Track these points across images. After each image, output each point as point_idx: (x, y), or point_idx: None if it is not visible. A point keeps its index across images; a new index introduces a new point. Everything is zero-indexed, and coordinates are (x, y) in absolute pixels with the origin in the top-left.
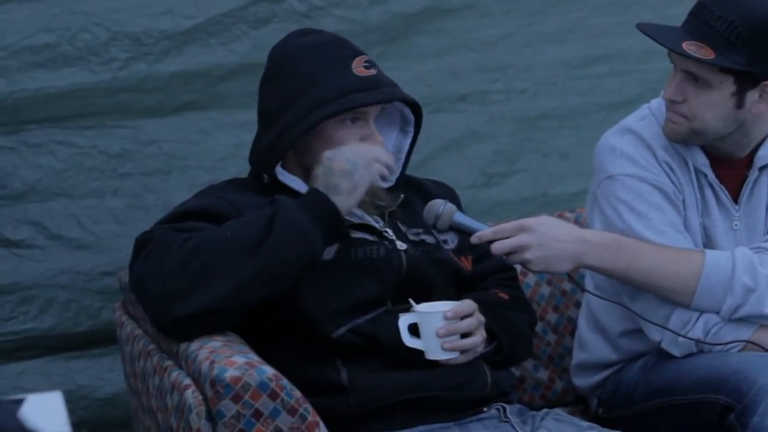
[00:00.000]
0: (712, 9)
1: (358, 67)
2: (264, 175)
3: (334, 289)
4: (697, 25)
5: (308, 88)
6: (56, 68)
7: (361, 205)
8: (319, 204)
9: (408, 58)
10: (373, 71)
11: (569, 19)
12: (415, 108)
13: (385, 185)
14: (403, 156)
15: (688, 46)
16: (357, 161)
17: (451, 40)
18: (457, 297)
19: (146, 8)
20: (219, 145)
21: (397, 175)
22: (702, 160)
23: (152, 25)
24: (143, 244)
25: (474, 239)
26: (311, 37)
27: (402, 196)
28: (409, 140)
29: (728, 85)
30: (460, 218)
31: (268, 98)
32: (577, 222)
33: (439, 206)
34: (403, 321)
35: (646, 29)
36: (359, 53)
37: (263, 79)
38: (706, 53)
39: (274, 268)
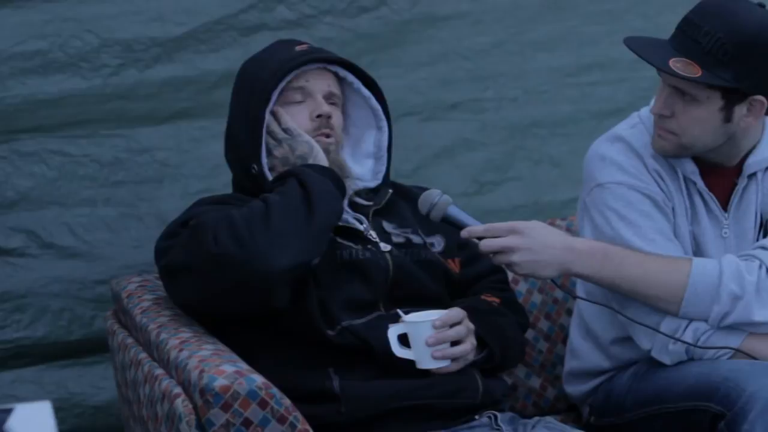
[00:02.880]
0: (699, 25)
1: (300, 47)
2: (254, 166)
3: (326, 291)
4: (684, 41)
5: (257, 77)
6: (47, 74)
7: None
8: (317, 167)
9: (399, 66)
10: (314, 48)
11: (560, 27)
12: (376, 90)
13: (371, 185)
14: (384, 153)
15: (675, 64)
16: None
17: (442, 48)
18: (449, 300)
19: (137, 15)
20: (211, 154)
21: (383, 173)
22: (691, 168)
23: (143, 31)
24: (198, 229)
25: (464, 233)
26: (266, 47)
27: (390, 191)
28: (386, 136)
29: (716, 101)
30: (454, 211)
31: (233, 106)
32: (569, 230)
33: (435, 196)
34: (393, 332)
35: (633, 45)
36: (303, 42)
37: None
38: (693, 70)
39: (329, 221)
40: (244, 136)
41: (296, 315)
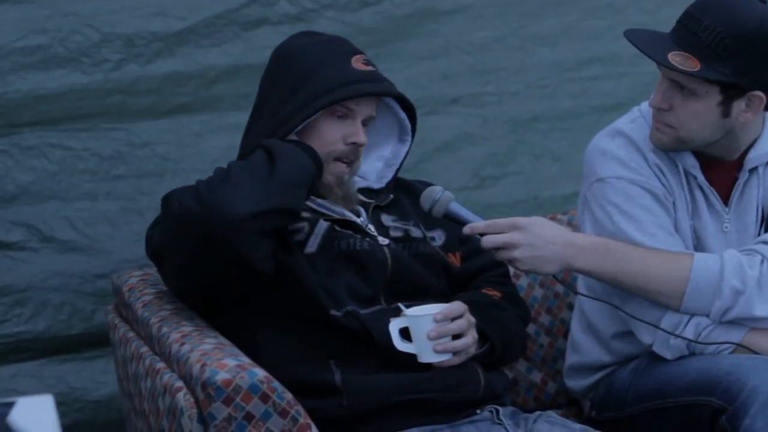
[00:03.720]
0: (699, 19)
1: (358, 63)
2: None
3: (325, 276)
4: (684, 34)
5: (307, 80)
6: (48, 69)
7: (336, 201)
8: (289, 141)
9: (401, 60)
10: (371, 68)
11: (562, 21)
12: (411, 113)
13: (373, 186)
14: (398, 162)
15: (674, 57)
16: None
17: (444, 43)
18: (450, 294)
19: (138, 10)
20: (212, 148)
21: (388, 179)
22: (692, 163)
23: (144, 26)
24: (166, 201)
25: (466, 230)
26: (313, 37)
27: (391, 196)
28: (406, 149)
29: (714, 95)
30: (456, 207)
31: (268, 92)
32: (570, 224)
33: (437, 193)
34: (394, 325)
35: (633, 38)
36: (359, 51)
37: (264, 76)
38: (692, 64)
39: (294, 174)
40: (265, 129)
41: (298, 293)
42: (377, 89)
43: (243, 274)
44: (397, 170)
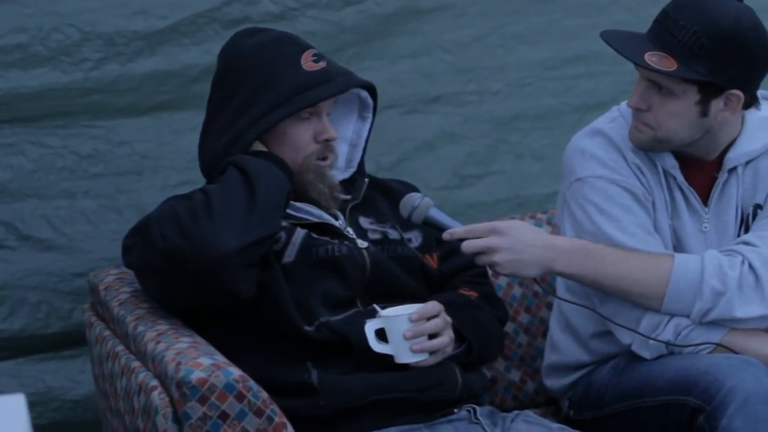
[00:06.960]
0: (675, 18)
1: (308, 62)
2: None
3: (302, 288)
4: (660, 34)
5: (261, 89)
6: (28, 68)
7: (322, 198)
8: (256, 152)
9: (382, 59)
10: (322, 64)
11: (543, 20)
12: (372, 90)
13: (346, 175)
14: (362, 141)
15: (650, 57)
16: None
17: (425, 42)
18: (427, 295)
19: (119, 8)
20: (191, 146)
21: (357, 160)
22: (671, 163)
23: (125, 25)
24: (145, 228)
25: (446, 236)
26: (258, 37)
27: (366, 180)
28: (368, 126)
29: (692, 95)
30: (435, 213)
31: (221, 102)
32: (550, 223)
33: (416, 199)
34: (370, 327)
35: (609, 39)
36: (307, 47)
37: (214, 83)
38: (669, 64)
39: (273, 197)
40: (219, 148)
41: (272, 311)
42: (334, 91)
43: (226, 300)
44: (364, 150)
